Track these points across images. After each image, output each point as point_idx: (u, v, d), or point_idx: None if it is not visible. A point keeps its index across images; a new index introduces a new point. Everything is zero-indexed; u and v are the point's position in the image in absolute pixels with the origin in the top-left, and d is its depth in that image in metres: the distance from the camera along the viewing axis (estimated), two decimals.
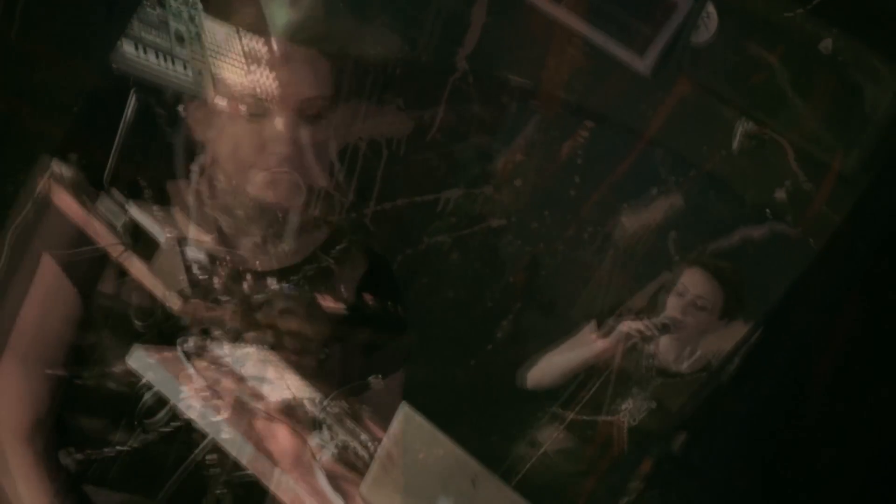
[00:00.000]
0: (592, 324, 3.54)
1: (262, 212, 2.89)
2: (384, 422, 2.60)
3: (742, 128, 3.58)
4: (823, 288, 2.57)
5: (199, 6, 3.09)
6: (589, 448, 3.40)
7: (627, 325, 3.45)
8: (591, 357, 3.44)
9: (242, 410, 2.63)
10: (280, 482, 2.48)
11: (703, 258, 3.52)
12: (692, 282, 3.48)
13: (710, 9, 3.56)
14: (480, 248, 3.94)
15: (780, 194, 3.56)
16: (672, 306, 3.48)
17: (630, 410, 3.40)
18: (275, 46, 3.34)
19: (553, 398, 3.49)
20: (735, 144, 3.59)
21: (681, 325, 3.44)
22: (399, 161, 3.77)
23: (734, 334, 3.41)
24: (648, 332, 3.44)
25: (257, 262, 2.97)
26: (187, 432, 2.68)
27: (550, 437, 3.40)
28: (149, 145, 2.92)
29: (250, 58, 3.28)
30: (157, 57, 2.90)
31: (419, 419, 2.47)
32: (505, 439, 3.47)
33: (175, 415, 2.65)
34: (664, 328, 3.44)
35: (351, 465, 2.63)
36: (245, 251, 2.94)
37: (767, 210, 3.55)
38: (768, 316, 3.00)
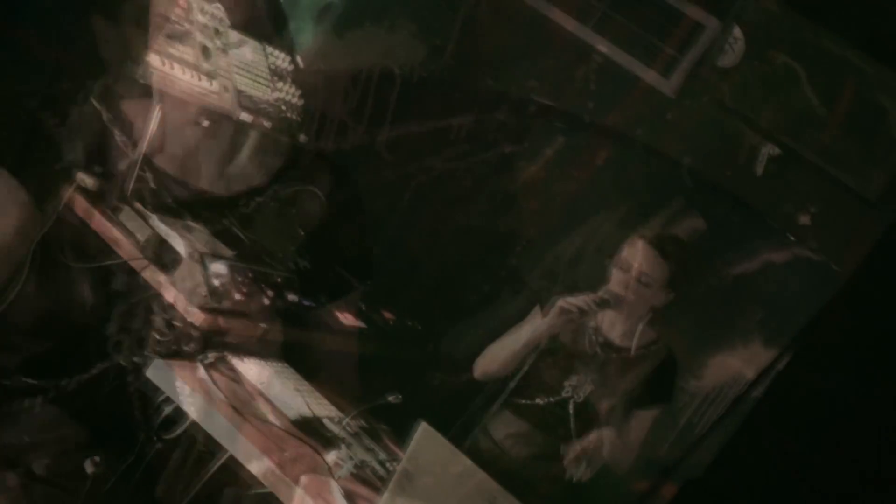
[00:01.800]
0: (537, 307, 3.45)
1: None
2: (403, 441, 2.59)
3: (766, 151, 3.56)
4: (851, 313, 2.54)
5: (226, 22, 3.11)
6: (538, 431, 3.30)
7: (565, 301, 3.27)
8: (533, 337, 3.28)
9: (260, 425, 2.62)
10: (297, 498, 2.47)
11: (646, 231, 3.37)
12: (635, 256, 3.29)
13: (738, 33, 3.56)
14: (493, 174, 3.90)
15: (804, 219, 3.54)
16: (615, 281, 3.27)
17: (574, 387, 3.38)
18: (300, 63, 3.37)
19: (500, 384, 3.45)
20: (759, 167, 3.58)
21: (622, 301, 3.26)
22: (412, 87, 3.75)
23: (755, 358, 3.38)
24: (586, 307, 3.26)
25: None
26: (203, 445, 2.68)
27: (500, 422, 3.37)
28: None
29: (276, 74, 3.30)
30: (184, 72, 2.91)
31: (438, 438, 2.46)
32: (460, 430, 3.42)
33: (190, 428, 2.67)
34: (603, 303, 3.26)
35: (368, 483, 2.63)
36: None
37: (790, 235, 3.52)
38: (795, 340, 2.96)
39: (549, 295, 3.38)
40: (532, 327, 3.30)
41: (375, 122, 3.72)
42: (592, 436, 3.25)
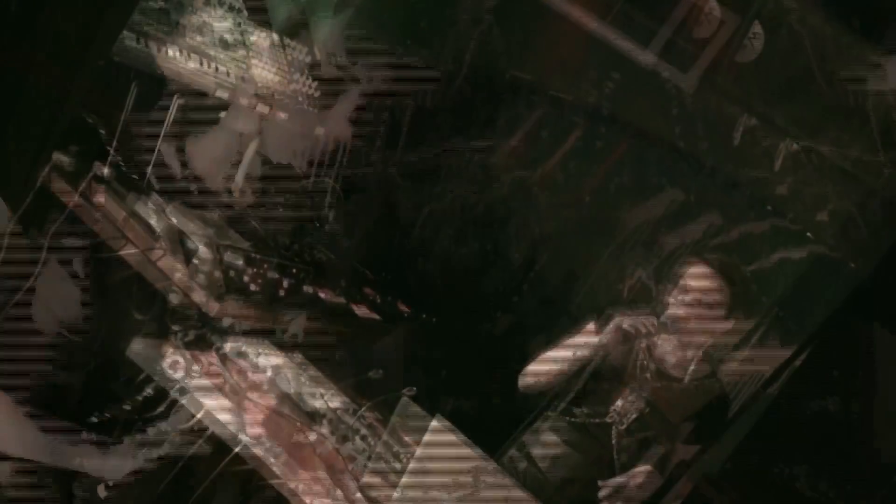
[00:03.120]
0: (592, 323, 3.34)
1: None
2: (417, 433, 2.59)
3: (785, 148, 3.54)
4: (869, 311, 2.52)
5: (245, 13, 3.12)
6: (577, 453, 3.22)
7: (623, 321, 3.11)
8: (584, 354, 3.13)
9: (274, 416, 2.62)
10: (310, 489, 2.48)
11: (706, 252, 3.23)
12: (696, 279, 3.14)
13: (758, 28, 3.53)
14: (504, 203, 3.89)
15: (822, 216, 3.52)
16: (675, 305, 3.13)
17: (619, 413, 3.15)
18: (318, 56, 3.37)
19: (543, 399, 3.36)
20: (777, 164, 3.56)
21: (682, 326, 3.11)
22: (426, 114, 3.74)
23: (773, 355, 3.34)
24: (644, 330, 3.10)
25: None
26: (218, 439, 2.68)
27: (539, 439, 3.25)
28: None
29: (293, 66, 3.30)
30: (202, 63, 2.91)
31: (452, 432, 2.46)
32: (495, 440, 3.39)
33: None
34: (662, 327, 3.10)
35: (383, 475, 2.62)
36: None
37: (808, 233, 3.49)
38: (812, 338, 2.92)
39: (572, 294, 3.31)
40: (583, 343, 3.19)
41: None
42: (636, 471, 3.13)
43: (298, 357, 3.02)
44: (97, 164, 2.88)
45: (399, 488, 2.48)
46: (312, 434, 2.67)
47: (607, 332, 3.14)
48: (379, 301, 3.46)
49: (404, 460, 2.69)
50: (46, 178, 2.79)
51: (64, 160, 2.84)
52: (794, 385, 2.73)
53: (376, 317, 3.41)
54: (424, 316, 3.66)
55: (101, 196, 2.86)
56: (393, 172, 3.72)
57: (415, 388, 2.85)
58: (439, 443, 2.47)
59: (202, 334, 2.79)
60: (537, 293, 3.80)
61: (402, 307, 3.57)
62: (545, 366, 3.19)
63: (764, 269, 3.54)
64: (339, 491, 2.49)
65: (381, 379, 2.86)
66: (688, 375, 3.18)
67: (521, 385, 3.24)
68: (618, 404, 3.17)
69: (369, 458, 2.63)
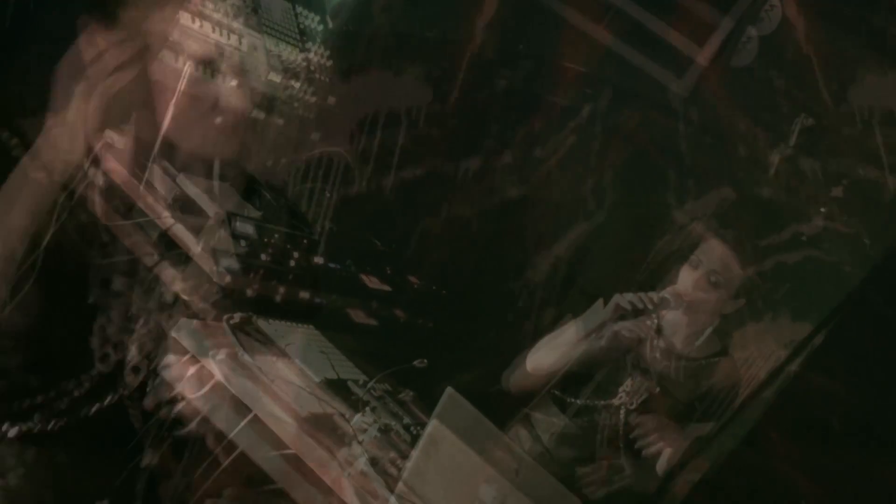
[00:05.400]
0: (600, 302, 3.12)
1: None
2: (428, 405, 2.59)
3: (799, 120, 3.51)
4: (883, 292, 2.51)
5: None
6: (585, 434, 3.18)
7: (621, 297, 3.03)
8: (587, 332, 3.05)
9: (285, 388, 2.62)
10: (321, 460, 2.47)
11: (720, 227, 3.11)
12: (708, 254, 3.04)
13: (752, 33, 3.53)
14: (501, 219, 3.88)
15: (836, 191, 3.49)
16: (683, 279, 3.04)
17: (628, 393, 3.09)
18: (330, 24, 3.33)
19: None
20: (792, 137, 3.53)
21: (685, 301, 3.02)
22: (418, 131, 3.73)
23: (783, 332, 3.32)
24: (641, 305, 2.99)
25: None
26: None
27: (546, 419, 3.23)
28: None
29: (305, 34, 3.27)
30: (214, 30, 2.88)
31: (464, 404, 2.45)
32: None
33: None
34: (663, 302, 3.00)
35: (393, 448, 2.62)
36: None
37: (822, 209, 3.46)
38: (827, 320, 2.87)
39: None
40: (583, 327, 3.12)
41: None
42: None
43: (308, 327, 3.02)
44: (108, 132, 2.87)
45: (409, 462, 2.48)
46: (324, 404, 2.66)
47: (606, 310, 3.08)
48: (389, 272, 3.45)
49: (415, 432, 2.69)
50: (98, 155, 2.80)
51: (115, 138, 2.83)
52: (811, 367, 2.70)
53: (387, 287, 3.41)
54: (434, 288, 3.66)
55: (112, 164, 2.85)
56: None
57: (425, 360, 2.85)
58: (452, 415, 2.46)
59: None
60: (553, 270, 3.79)
61: (412, 279, 3.57)
62: (552, 344, 3.17)
63: (775, 244, 3.51)
64: (346, 461, 2.49)
65: (424, 368, 2.84)
66: (697, 353, 3.13)
67: (528, 367, 3.20)
68: (626, 384, 3.13)
69: (379, 430, 2.63)
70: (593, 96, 3.86)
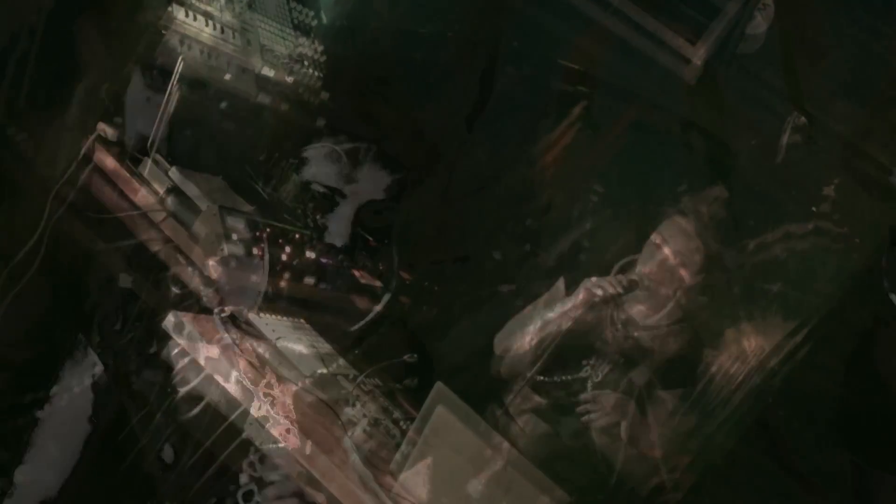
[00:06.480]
0: (561, 282, 3.21)
1: None
2: (417, 400, 2.60)
3: (791, 120, 3.52)
4: (875, 292, 2.51)
5: None
6: (555, 408, 3.20)
7: (592, 283, 3.08)
8: (555, 318, 3.10)
9: (275, 381, 2.62)
10: (311, 454, 2.48)
11: (684, 209, 3.13)
12: (671, 234, 3.07)
13: (759, 20, 3.54)
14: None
15: (828, 190, 3.49)
16: (647, 260, 3.08)
17: (593, 366, 3.11)
18: (324, 19, 3.34)
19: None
20: (784, 136, 3.54)
21: (650, 283, 3.06)
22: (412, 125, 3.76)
23: (773, 329, 3.33)
24: (612, 290, 3.05)
25: None
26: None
27: (518, 398, 3.12)
28: None
29: (299, 29, 3.27)
30: (208, 24, 2.89)
31: (453, 399, 2.46)
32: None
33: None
34: (632, 285, 3.05)
35: (382, 442, 2.63)
36: None
37: (814, 208, 3.47)
38: (820, 322, 2.87)
39: (574, 265, 3.29)
40: (555, 307, 3.16)
41: None
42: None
43: (298, 321, 3.02)
44: (101, 125, 2.88)
45: (399, 456, 2.49)
46: (314, 398, 2.67)
47: (577, 296, 3.14)
48: (381, 268, 3.46)
49: (404, 427, 2.70)
50: (91, 148, 2.80)
51: (108, 130, 2.85)
52: (799, 360, 2.71)
53: (377, 283, 3.41)
54: (426, 284, 3.66)
55: (104, 157, 2.86)
56: None
57: (416, 355, 2.86)
58: (441, 411, 2.47)
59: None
60: (539, 263, 3.80)
61: (404, 275, 3.57)
62: (518, 329, 3.20)
63: (767, 242, 3.53)
64: (336, 455, 2.50)
65: (415, 363, 2.86)
66: (658, 321, 3.16)
67: (497, 350, 3.24)
68: (591, 358, 3.17)
69: (369, 424, 2.63)
70: (590, 92, 3.87)
